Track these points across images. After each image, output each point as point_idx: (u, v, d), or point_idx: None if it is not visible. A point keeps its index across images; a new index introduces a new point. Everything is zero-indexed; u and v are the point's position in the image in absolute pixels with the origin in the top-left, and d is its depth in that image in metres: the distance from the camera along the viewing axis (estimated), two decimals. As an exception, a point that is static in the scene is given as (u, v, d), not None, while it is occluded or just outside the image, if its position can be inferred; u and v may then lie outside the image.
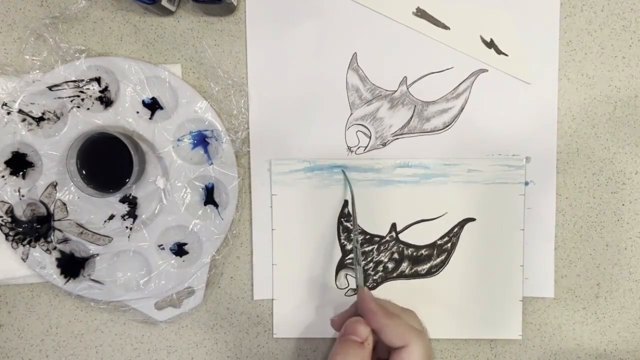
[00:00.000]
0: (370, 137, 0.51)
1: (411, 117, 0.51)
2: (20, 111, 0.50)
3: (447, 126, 0.51)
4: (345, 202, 0.51)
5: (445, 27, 0.50)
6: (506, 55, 0.50)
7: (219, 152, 0.50)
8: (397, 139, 0.51)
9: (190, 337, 0.53)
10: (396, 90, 0.51)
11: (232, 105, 0.51)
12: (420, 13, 0.50)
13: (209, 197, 0.51)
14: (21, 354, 0.54)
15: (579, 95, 0.51)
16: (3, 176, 0.50)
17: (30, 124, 0.50)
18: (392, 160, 0.51)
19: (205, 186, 0.51)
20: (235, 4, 0.49)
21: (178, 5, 0.50)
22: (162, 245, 0.51)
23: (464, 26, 0.50)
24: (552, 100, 0.51)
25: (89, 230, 0.51)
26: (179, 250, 0.51)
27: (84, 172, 0.48)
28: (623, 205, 0.52)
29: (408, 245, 0.52)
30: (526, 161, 0.51)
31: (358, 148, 0.51)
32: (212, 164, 0.50)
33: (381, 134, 0.51)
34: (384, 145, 0.51)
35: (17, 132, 0.50)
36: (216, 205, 0.51)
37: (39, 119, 0.50)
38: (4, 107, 0.50)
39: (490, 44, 0.50)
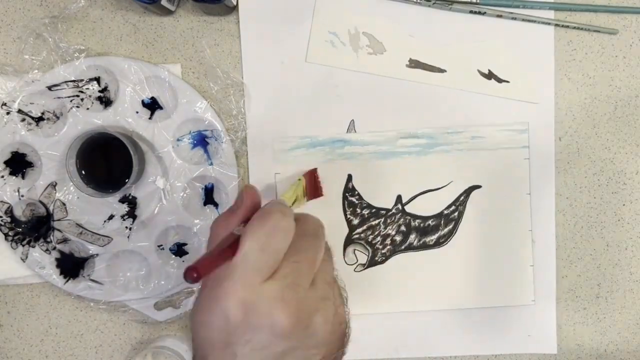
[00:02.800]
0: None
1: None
2: (19, 111, 0.50)
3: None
4: (349, 177, 0.51)
5: (441, 71, 0.50)
6: (507, 82, 0.50)
7: (218, 152, 0.50)
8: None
9: (190, 337, 0.53)
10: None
11: (232, 105, 0.50)
12: (414, 64, 0.50)
13: (209, 197, 0.51)
14: (21, 354, 0.54)
15: (580, 95, 0.51)
16: (2, 176, 0.50)
17: (30, 124, 0.50)
18: (395, 131, 0.51)
19: (205, 186, 0.51)
20: (234, 3, 0.49)
21: (178, 5, 0.50)
22: (161, 245, 0.51)
23: (459, 65, 0.50)
24: (549, 110, 0.51)
25: (88, 231, 0.51)
26: (179, 250, 0.51)
27: (83, 172, 0.48)
28: (623, 205, 0.52)
29: (415, 217, 0.51)
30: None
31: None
32: (212, 164, 0.50)
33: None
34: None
35: (17, 132, 0.50)
36: (216, 205, 0.51)
37: (39, 119, 0.50)
38: (4, 107, 0.49)
39: (490, 75, 0.50)
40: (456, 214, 0.51)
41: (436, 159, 0.51)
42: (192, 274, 0.33)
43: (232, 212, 0.39)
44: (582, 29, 0.50)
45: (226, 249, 0.35)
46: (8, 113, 0.50)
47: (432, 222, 0.51)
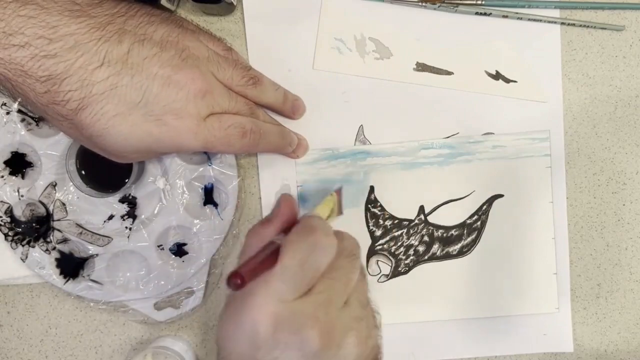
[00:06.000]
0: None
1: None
2: (19, 111, 0.50)
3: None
4: (372, 188, 0.51)
5: (449, 73, 0.50)
6: (515, 82, 0.50)
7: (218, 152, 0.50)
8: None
9: (190, 337, 0.53)
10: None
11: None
12: (421, 67, 0.50)
13: (209, 197, 0.51)
14: (20, 354, 0.54)
15: (580, 95, 0.51)
16: (2, 176, 0.50)
17: (30, 123, 0.50)
18: (416, 142, 0.51)
19: (205, 186, 0.51)
20: (234, 3, 0.49)
21: (178, 5, 0.50)
22: (161, 245, 0.51)
23: (466, 67, 0.50)
24: (557, 109, 0.51)
25: (88, 231, 0.51)
26: (179, 250, 0.51)
27: (83, 172, 0.48)
28: (624, 205, 0.52)
29: (438, 227, 0.51)
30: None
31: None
32: (211, 164, 0.50)
33: None
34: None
35: (17, 132, 0.50)
36: (216, 205, 0.51)
37: (38, 119, 0.50)
38: (3, 106, 0.49)
39: (497, 76, 0.50)
40: (479, 223, 0.51)
41: (458, 169, 0.51)
42: (237, 280, 0.32)
43: (268, 221, 0.38)
44: (588, 26, 0.50)
45: (268, 257, 0.34)
46: (8, 113, 0.49)
47: (455, 232, 0.51)
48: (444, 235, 0.51)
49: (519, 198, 0.51)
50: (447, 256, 0.52)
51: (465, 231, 0.51)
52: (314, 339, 0.33)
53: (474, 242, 0.51)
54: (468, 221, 0.51)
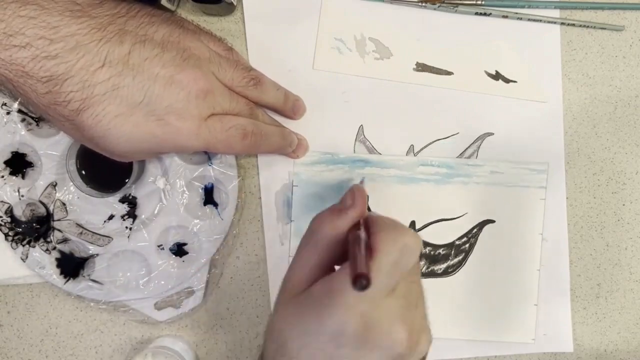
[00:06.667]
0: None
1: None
2: (19, 111, 0.50)
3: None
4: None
5: (449, 73, 0.50)
6: (515, 82, 0.50)
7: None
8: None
9: (190, 337, 0.53)
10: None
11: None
12: (421, 67, 0.50)
13: (209, 197, 0.51)
14: (21, 354, 0.54)
15: (580, 95, 0.51)
16: (2, 176, 0.50)
17: (30, 123, 0.50)
18: (416, 158, 0.51)
19: (205, 186, 0.51)
20: (234, 3, 0.49)
21: (178, 5, 0.50)
22: (161, 245, 0.51)
23: (466, 67, 0.50)
24: (557, 109, 0.51)
25: (88, 231, 0.51)
26: (179, 250, 0.51)
27: (83, 172, 0.48)
28: (623, 205, 0.52)
29: (426, 244, 0.51)
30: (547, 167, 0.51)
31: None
32: (211, 164, 0.50)
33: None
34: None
35: (17, 132, 0.50)
36: (216, 205, 0.51)
37: (39, 119, 0.50)
38: (4, 106, 0.49)
39: (497, 76, 0.50)
40: (467, 245, 0.51)
41: (454, 190, 0.51)
42: (363, 281, 0.31)
43: (341, 211, 0.37)
44: (588, 26, 0.50)
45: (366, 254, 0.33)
46: (8, 113, 0.50)
47: (442, 251, 0.51)
48: (432, 252, 0.51)
49: (510, 226, 0.51)
50: (432, 274, 0.52)
51: (452, 252, 0.51)
52: (403, 339, 0.33)
53: (460, 264, 0.51)
54: (457, 242, 0.51)
